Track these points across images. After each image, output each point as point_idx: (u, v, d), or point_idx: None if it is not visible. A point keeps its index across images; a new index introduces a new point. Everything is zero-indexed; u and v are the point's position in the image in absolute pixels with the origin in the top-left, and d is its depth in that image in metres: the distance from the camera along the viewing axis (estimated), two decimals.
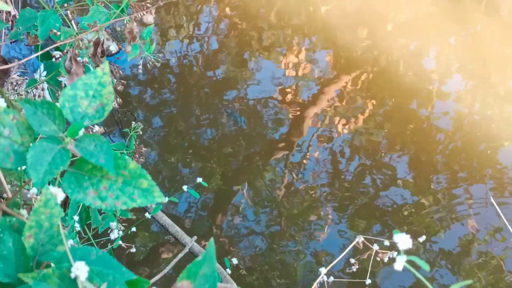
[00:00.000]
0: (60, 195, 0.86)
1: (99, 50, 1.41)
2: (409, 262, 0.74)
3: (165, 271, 1.89)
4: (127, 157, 0.90)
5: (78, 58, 1.36)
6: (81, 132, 0.88)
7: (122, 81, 1.75)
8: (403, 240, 0.72)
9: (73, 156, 0.90)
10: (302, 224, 3.54)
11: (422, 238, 1.55)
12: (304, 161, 3.89)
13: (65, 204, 1.62)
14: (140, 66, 1.68)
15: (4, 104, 0.86)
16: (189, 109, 4.08)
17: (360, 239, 1.44)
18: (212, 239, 0.84)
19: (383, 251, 1.50)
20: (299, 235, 3.50)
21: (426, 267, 0.73)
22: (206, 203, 3.60)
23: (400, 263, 0.73)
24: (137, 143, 1.98)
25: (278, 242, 3.45)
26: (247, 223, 3.52)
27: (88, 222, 1.75)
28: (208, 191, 3.62)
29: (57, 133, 0.87)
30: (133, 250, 1.91)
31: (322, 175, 3.82)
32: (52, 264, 0.86)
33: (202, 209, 3.56)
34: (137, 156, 2.05)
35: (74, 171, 0.89)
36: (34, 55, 1.26)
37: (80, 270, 0.79)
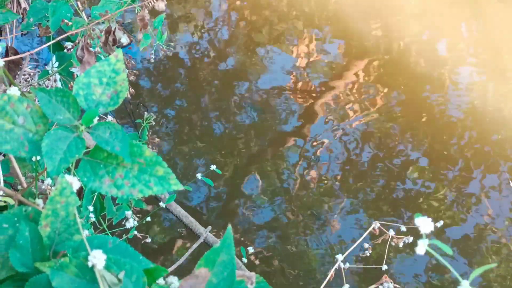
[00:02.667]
0: (75, 184, 0.86)
1: (110, 39, 1.41)
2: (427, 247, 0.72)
3: (180, 261, 1.89)
4: (142, 144, 0.90)
5: (90, 48, 1.35)
6: (96, 120, 0.87)
7: (134, 71, 1.74)
8: (424, 223, 0.71)
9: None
10: (316, 214, 3.53)
11: (439, 223, 1.53)
12: (317, 150, 3.87)
13: (79, 194, 1.61)
14: (152, 55, 1.67)
15: (18, 93, 0.86)
16: (200, 100, 4.08)
17: (376, 224, 1.43)
18: (229, 225, 0.83)
19: (399, 236, 1.49)
20: (313, 224, 3.49)
21: (448, 250, 0.72)
22: (219, 194, 3.59)
23: (422, 247, 0.71)
24: (150, 133, 1.97)
25: (292, 232, 3.44)
26: (261, 214, 3.51)
27: (103, 214, 1.75)
28: (221, 182, 3.62)
29: (71, 121, 0.87)
30: (148, 240, 1.90)
31: (335, 165, 3.81)
32: (69, 254, 0.86)
33: (215, 200, 3.56)
34: (150, 146, 2.04)
35: (89, 159, 0.88)
36: (45, 45, 1.25)
37: (97, 258, 0.79)
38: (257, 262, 3.26)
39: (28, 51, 3.99)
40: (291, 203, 3.57)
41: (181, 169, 3.67)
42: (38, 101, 0.86)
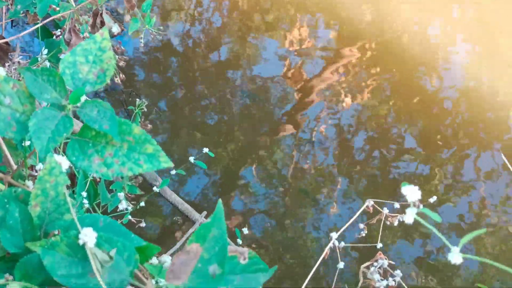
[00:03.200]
0: (64, 163, 0.85)
1: (98, 21, 1.40)
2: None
3: (176, 247, 1.89)
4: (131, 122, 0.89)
5: (77, 31, 1.35)
6: (83, 98, 0.87)
7: (124, 57, 1.74)
8: (411, 192, 0.71)
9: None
10: (312, 200, 3.53)
11: (433, 199, 1.53)
12: (312, 137, 3.87)
13: (72, 181, 1.61)
14: (142, 40, 1.66)
15: (3, 73, 0.85)
16: (194, 90, 4.07)
17: (370, 202, 1.43)
18: (220, 200, 0.82)
19: (393, 214, 1.49)
20: (309, 210, 3.49)
21: (437, 218, 0.72)
22: (214, 183, 3.59)
23: (410, 216, 0.71)
24: (142, 120, 1.97)
25: (288, 219, 3.44)
26: (257, 202, 3.51)
27: (97, 202, 1.74)
28: (217, 170, 3.62)
29: (59, 100, 0.86)
30: (143, 224, 1.90)
31: (330, 151, 3.80)
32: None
33: (211, 190, 3.55)
34: None
35: (78, 139, 0.87)
36: (32, 28, 1.25)
37: (88, 236, 0.78)
38: (254, 248, 3.27)
39: (20, 43, 3.98)
40: (287, 189, 3.57)
41: (176, 158, 3.66)
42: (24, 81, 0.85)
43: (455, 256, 0.67)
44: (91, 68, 0.89)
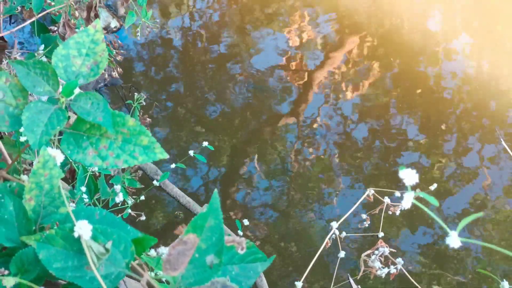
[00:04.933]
0: (59, 157, 0.85)
1: (92, 14, 1.39)
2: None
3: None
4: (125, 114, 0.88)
5: (72, 24, 1.34)
6: (77, 91, 0.86)
7: (121, 51, 1.73)
8: (409, 175, 0.70)
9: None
10: (315, 191, 3.53)
11: (433, 187, 1.53)
12: (313, 128, 3.86)
13: (72, 176, 1.61)
14: (139, 33, 1.65)
15: None
16: (195, 84, 4.06)
17: (370, 191, 1.43)
18: (215, 190, 0.82)
19: (394, 203, 1.48)
20: (312, 202, 3.48)
21: (434, 202, 0.71)
22: (217, 177, 3.59)
23: (408, 200, 0.71)
24: (141, 114, 1.96)
25: (292, 210, 3.43)
26: (260, 194, 3.51)
27: (97, 197, 1.73)
28: (219, 164, 3.61)
29: (51, 94, 0.86)
30: (143, 218, 1.89)
31: (332, 141, 3.80)
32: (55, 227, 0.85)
33: (214, 183, 3.55)
34: None
35: (72, 132, 0.87)
36: (27, 22, 1.24)
37: (83, 229, 0.77)
38: (258, 242, 3.26)
39: (21, 43, 3.98)
40: (290, 181, 3.57)
41: (178, 152, 3.66)
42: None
43: (453, 240, 0.67)
44: (84, 61, 0.88)
